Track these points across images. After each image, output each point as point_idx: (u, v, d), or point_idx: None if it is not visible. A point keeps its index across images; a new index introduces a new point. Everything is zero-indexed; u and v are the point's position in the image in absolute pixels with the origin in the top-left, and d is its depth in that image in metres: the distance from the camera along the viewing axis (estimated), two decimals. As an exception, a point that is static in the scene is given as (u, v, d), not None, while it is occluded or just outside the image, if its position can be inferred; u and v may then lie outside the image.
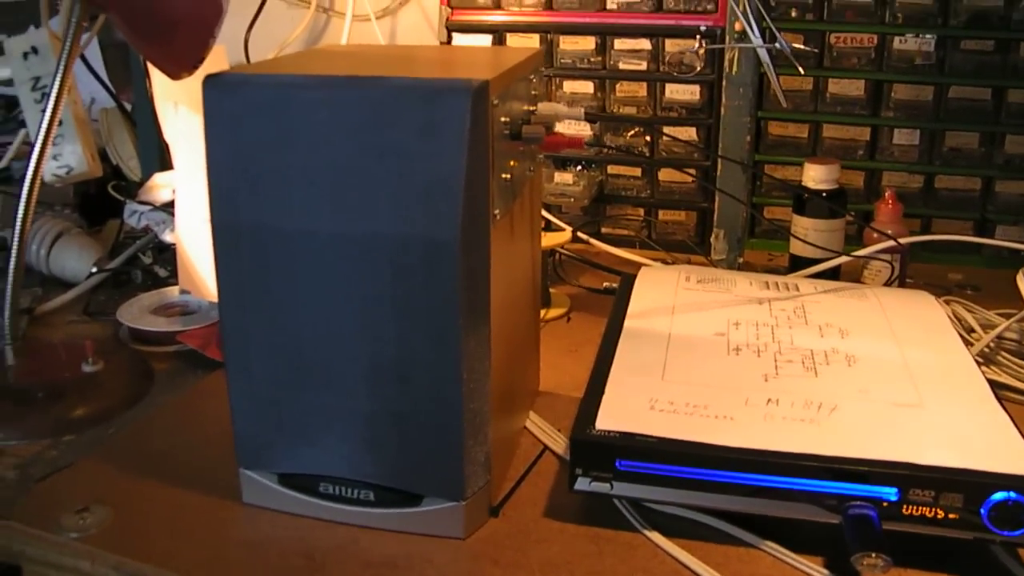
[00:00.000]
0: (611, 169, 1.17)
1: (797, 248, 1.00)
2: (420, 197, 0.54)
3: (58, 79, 0.78)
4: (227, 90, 0.56)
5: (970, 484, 0.55)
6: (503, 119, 0.58)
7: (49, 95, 0.78)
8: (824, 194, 0.98)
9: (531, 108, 0.67)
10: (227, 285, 0.59)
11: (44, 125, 0.78)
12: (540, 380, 0.81)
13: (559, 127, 1.06)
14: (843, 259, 0.98)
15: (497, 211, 0.57)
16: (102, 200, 1.14)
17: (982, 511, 0.55)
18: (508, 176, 0.59)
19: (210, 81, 0.56)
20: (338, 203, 0.55)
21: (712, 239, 1.07)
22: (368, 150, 0.54)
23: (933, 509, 0.55)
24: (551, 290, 0.99)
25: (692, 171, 1.13)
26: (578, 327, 0.93)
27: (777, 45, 0.94)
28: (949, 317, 0.80)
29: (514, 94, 0.61)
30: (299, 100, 0.55)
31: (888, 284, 0.97)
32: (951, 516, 0.55)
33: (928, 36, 1.04)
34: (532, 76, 0.68)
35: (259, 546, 0.59)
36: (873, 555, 0.53)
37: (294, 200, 0.55)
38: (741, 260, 1.07)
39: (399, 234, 0.54)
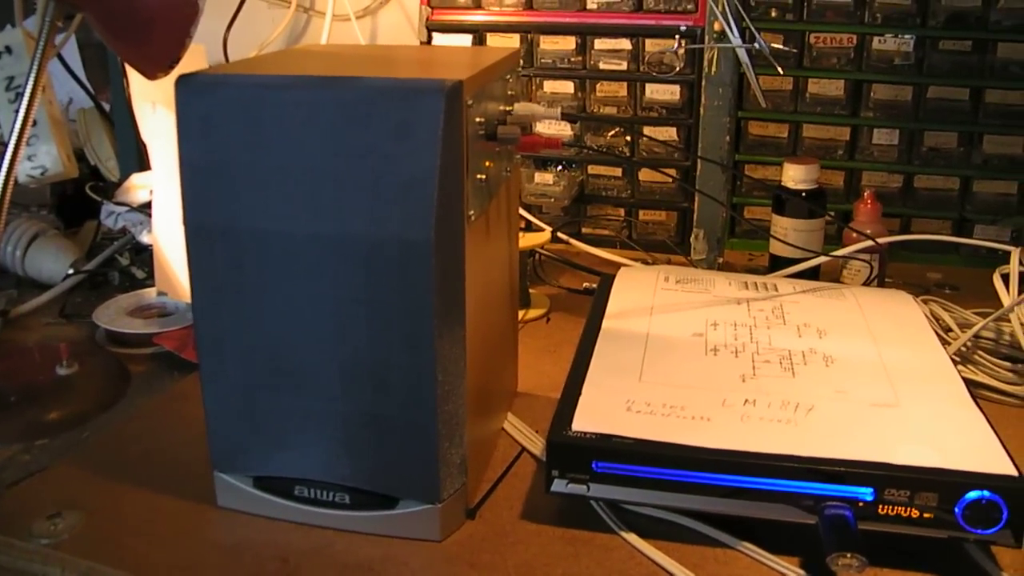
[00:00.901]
0: (591, 169, 1.17)
1: (777, 248, 1.00)
2: (394, 198, 0.53)
3: (32, 79, 0.77)
4: (200, 90, 0.55)
5: (945, 483, 0.55)
6: (478, 119, 0.57)
7: (23, 95, 0.77)
8: (803, 194, 0.98)
9: (507, 108, 0.67)
10: (200, 287, 0.58)
11: (17, 125, 0.77)
12: (519, 381, 0.80)
13: (539, 127, 1.06)
14: (822, 259, 0.98)
15: (472, 212, 0.56)
16: (79, 201, 1.13)
17: (956, 510, 0.55)
18: (483, 177, 0.59)
19: (182, 81, 0.55)
20: (312, 204, 0.54)
21: (692, 239, 1.07)
22: (342, 151, 0.53)
23: (908, 509, 0.56)
24: (531, 290, 0.99)
25: (672, 171, 1.13)
26: (557, 327, 0.93)
27: (756, 45, 0.94)
28: (927, 316, 0.81)
29: (490, 94, 0.61)
30: (273, 101, 0.54)
31: (867, 284, 0.97)
32: (926, 515, 0.55)
33: (907, 36, 1.05)
34: (509, 76, 0.68)
35: (234, 550, 0.59)
36: (849, 555, 0.53)
37: (268, 201, 0.55)
38: (721, 260, 1.07)
39: (373, 235, 0.54)
